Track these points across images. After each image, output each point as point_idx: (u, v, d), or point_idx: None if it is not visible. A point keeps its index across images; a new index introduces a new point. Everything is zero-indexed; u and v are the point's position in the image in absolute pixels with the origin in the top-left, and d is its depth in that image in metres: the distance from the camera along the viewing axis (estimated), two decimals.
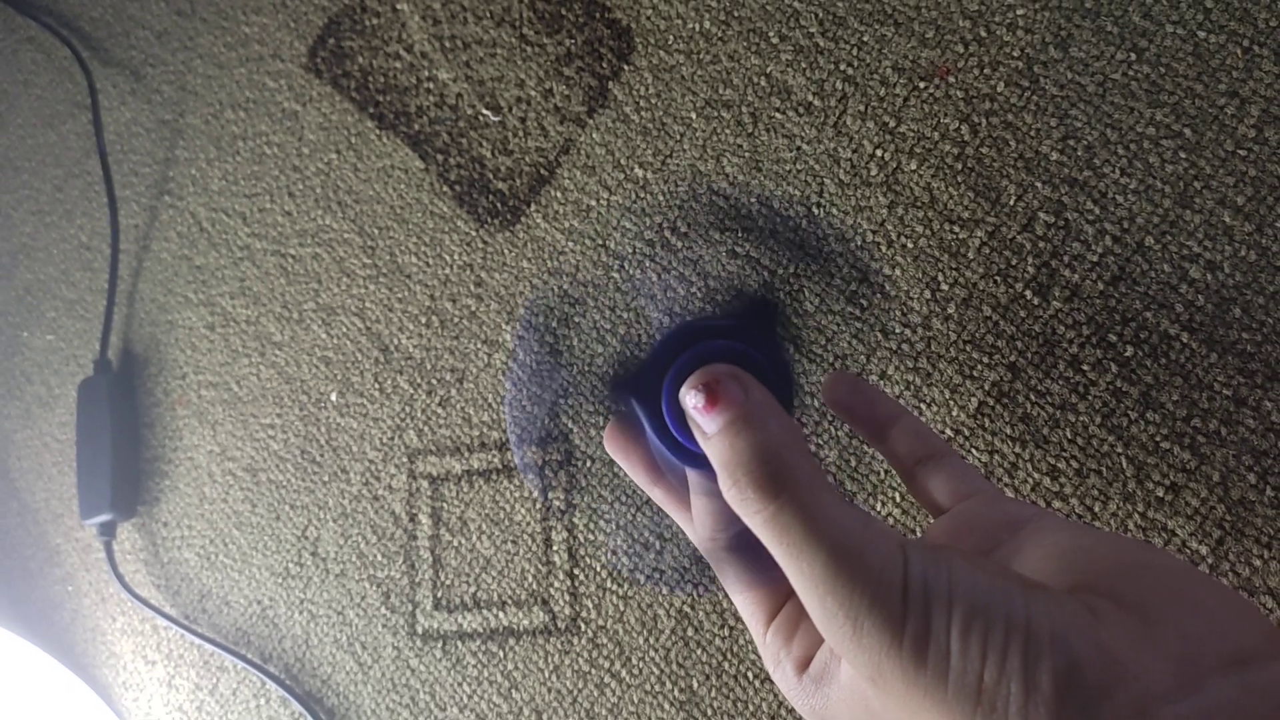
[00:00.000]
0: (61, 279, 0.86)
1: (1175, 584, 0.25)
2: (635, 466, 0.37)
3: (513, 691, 0.63)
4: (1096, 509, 0.51)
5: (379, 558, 0.69)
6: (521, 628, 0.64)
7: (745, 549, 0.31)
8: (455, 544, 0.66)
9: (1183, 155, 0.52)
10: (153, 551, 0.77)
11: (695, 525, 0.32)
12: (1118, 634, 0.23)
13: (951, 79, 0.58)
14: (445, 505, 0.67)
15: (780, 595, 0.32)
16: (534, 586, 0.63)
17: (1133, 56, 0.54)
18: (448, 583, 0.66)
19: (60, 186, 0.88)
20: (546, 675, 0.63)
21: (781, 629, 0.31)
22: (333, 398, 0.72)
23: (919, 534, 0.54)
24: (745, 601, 0.32)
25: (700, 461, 0.29)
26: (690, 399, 0.28)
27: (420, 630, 0.66)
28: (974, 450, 0.54)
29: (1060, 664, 0.22)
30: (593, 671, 0.61)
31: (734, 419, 0.27)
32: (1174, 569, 0.26)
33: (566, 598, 0.63)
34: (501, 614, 0.64)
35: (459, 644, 0.65)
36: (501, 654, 0.64)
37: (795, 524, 0.25)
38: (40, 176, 0.89)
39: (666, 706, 0.59)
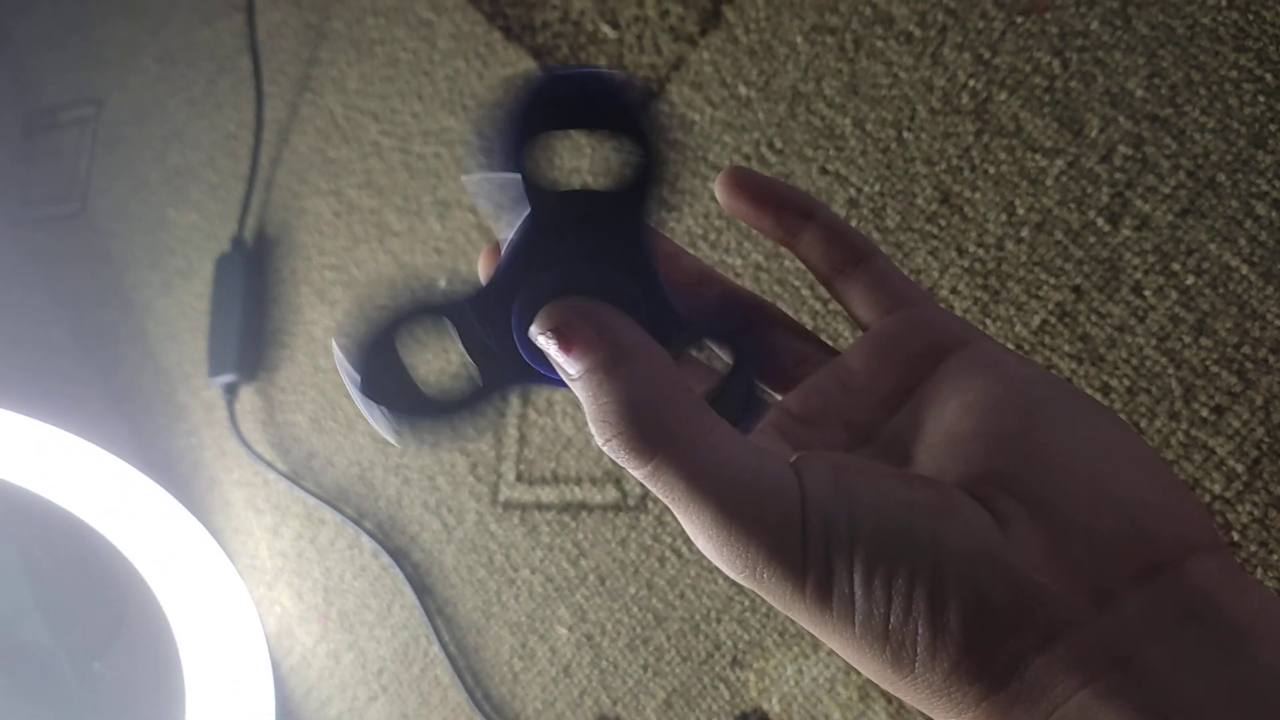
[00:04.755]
0: (207, 164, 0.94)
1: (1094, 475, 0.24)
2: None
3: (581, 559, 0.69)
4: (1143, 424, 0.54)
5: (469, 432, 0.74)
6: (594, 503, 0.69)
7: None
8: (540, 424, 0.72)
9: (1261, 99, 0.55)
10: (269, 413, 0.85)
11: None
12: (1028, 553, 0.22)
13: (1049, 15, 0.61)
14: (534, 388, 0.72)
15: None
16: (609, 466, 0.69)
17: (1224, 3, 0.56)
18: (530, 458, 0.72)
19: (213, 80, 0.96)
20: (613, 546, 0.68)
21: None
22: (441, 285, 0.78)
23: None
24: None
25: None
26: (542, 342, 0.25)
27: (501, 499, 0.72)
28: None
29: (968, 601, 0.22)
30: (655, 545, 0.66)
31: (592, 367, 0.24)
32: (1096, 448, 0.24)
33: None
34: (577, 489, 0.70)
35: (535, 514, 0.71)
36: (574, 525, 0.69)
37: (676, 480, 0.23)
38: (195, 69, 0.97)
39: (720, 582, 0.64)
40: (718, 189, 0.31)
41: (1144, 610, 0.22)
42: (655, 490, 0.24)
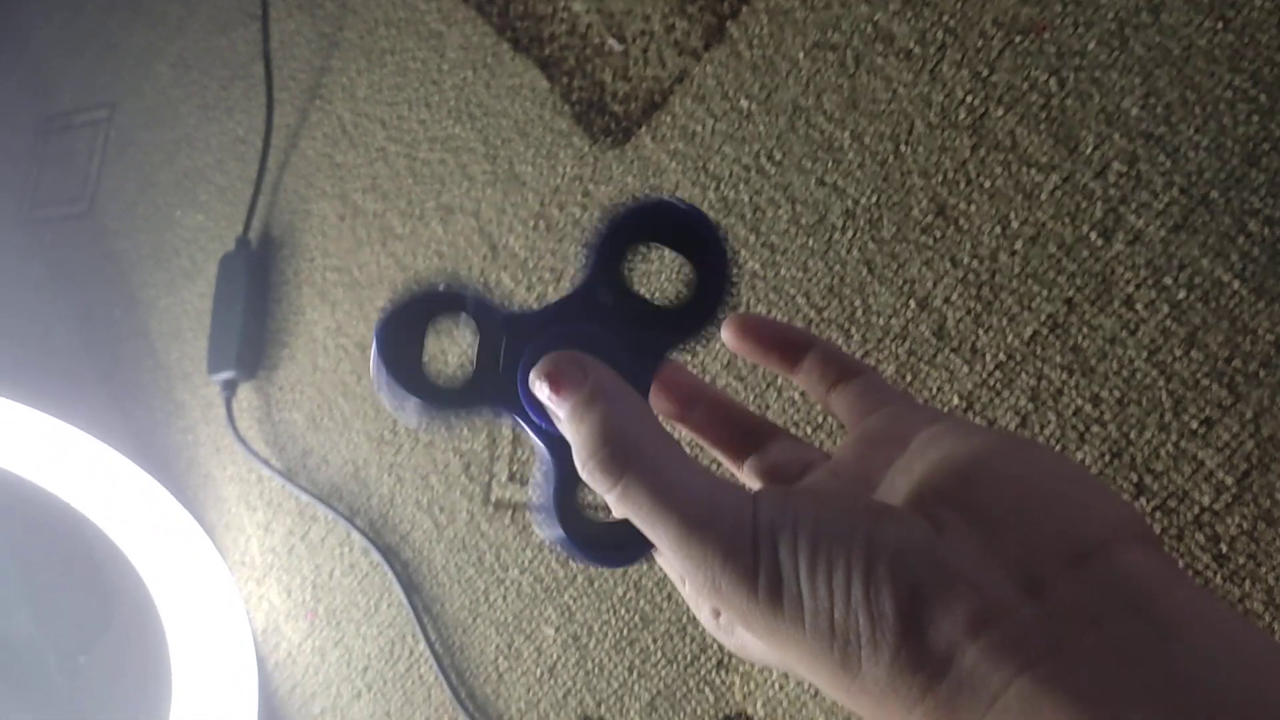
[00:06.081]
0: (216, 167, 0.95)
1: (1023, 484, 0.26)
2: None
3: (570, 559, 0.69)
4: (1133, 435, 0.55)
5: (464, 432, 0.75)
6: (585, 503, 0.69)
7: None
8: None
9: (1255, 118, 0.55)
10: (266, 411, 0.85)
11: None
12: (960, 547, 0.24)
13: (1047, 35, 0.62)
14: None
15: None
16: None
17: (1219, 25, 0.57)
18: (524, 458, 0.72)
19: (225, 86, 0.97)
20: None
21: None
22: (440, 288, 0.79)
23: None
24: (664, 559, 0.34)
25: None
26: (538, 389, 0.29)
27: (493, 499, 0.73)
28: (1023, 374, 0.58)
29: (901, 589, 0.23)
30: None
31: (576, 404, 0.28)
32: (1029, 464, 0.27)
33: None
34: None
35: (527, 513, 0.71)
36: None
37: (643, 497, 0.26)
38: (209, 75, 0.99)
39: None
40: (725, 335, 0.36)
41: (1075, 595, 0.23)
42: (625, 510, 0.26)
